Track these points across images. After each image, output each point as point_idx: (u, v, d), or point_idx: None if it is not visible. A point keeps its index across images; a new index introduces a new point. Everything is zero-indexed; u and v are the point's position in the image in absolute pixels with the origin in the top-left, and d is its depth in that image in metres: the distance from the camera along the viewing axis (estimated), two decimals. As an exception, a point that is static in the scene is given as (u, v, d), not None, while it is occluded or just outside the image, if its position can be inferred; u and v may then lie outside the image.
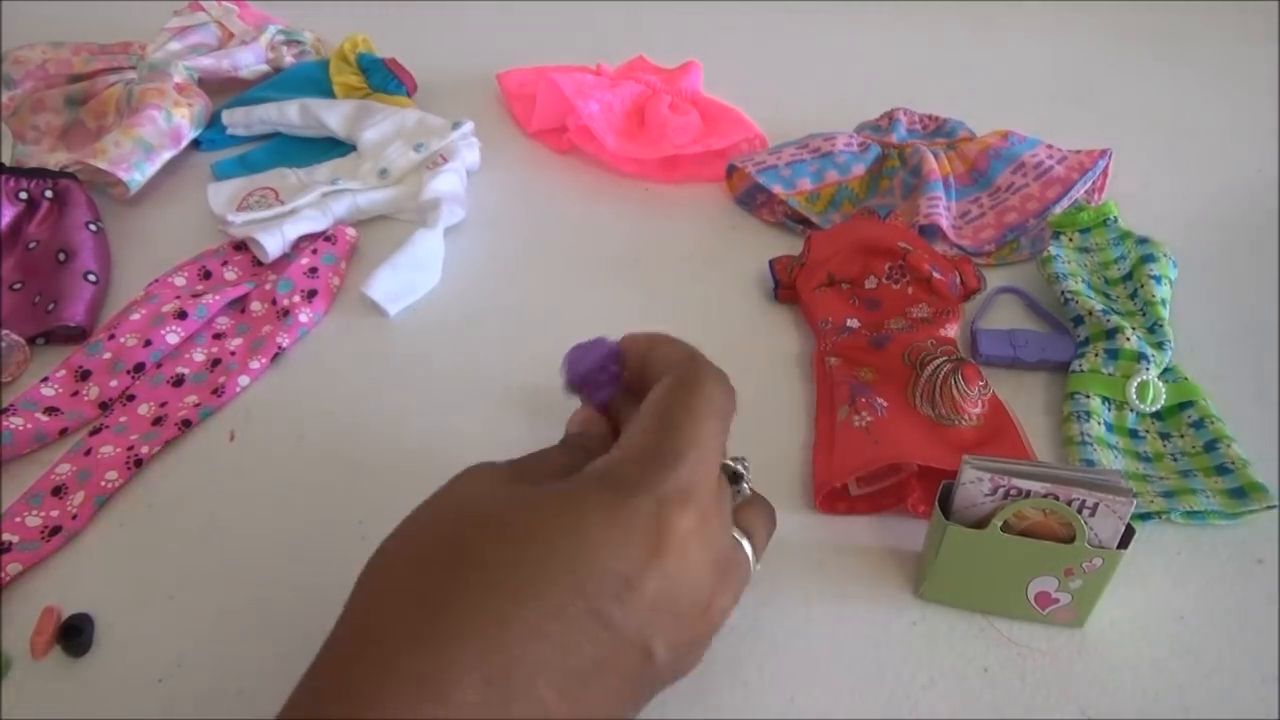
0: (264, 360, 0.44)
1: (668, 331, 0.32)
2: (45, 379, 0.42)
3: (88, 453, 0.39)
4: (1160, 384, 0.41)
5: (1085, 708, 0.32)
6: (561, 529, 0.24)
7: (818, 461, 0.39)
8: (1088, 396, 0.41)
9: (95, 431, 0.40)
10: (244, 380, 0.43)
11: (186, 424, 0.41)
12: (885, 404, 0.40)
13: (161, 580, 0.36)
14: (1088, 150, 0.53)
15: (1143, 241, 0.48)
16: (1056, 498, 0.31)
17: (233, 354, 0.44)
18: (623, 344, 0.33)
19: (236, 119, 0.57)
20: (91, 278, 0.47)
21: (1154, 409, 0.41)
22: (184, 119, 0.54)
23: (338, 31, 0.62)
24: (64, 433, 0.41)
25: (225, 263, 0.49)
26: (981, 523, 0.32)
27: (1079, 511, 0.31)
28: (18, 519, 0.37)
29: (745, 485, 0.32)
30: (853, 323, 0.44)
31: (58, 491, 0.38)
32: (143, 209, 0.53)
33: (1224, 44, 0.71)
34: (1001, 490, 0.31)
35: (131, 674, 0.33)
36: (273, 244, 0.48)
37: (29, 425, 0.40)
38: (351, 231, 0.50)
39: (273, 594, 0.35)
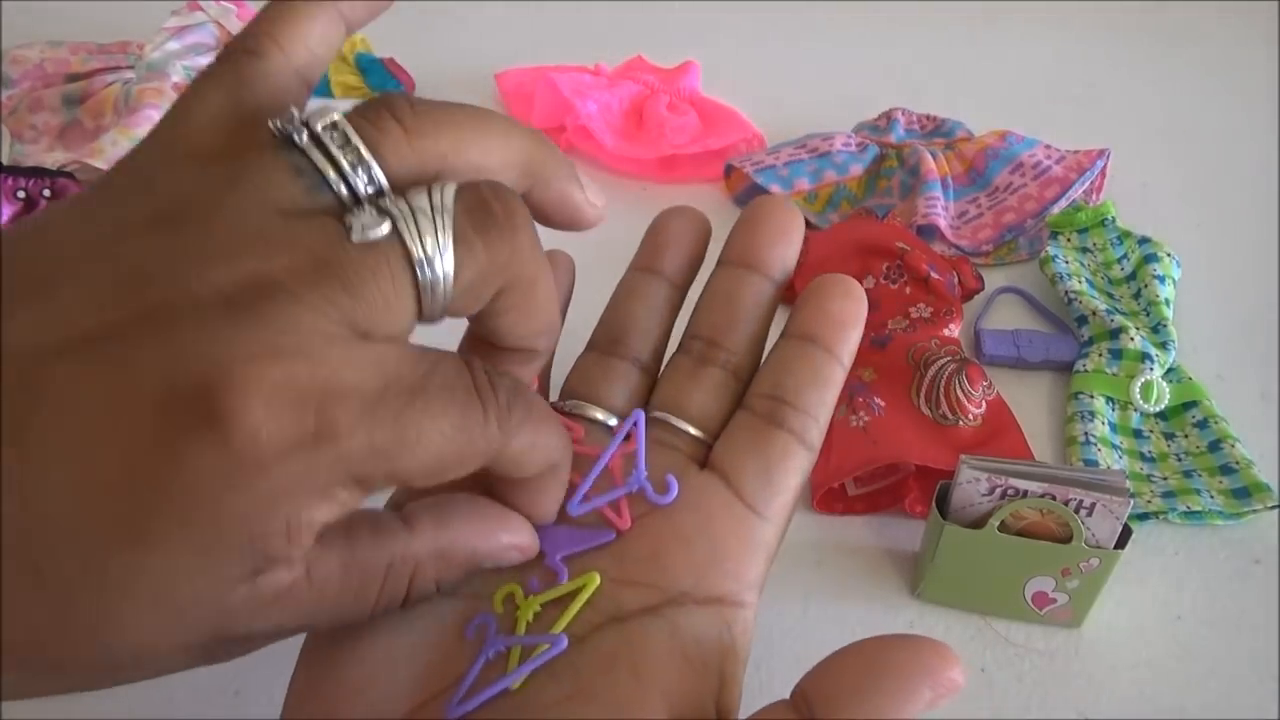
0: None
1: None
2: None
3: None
4: (1164, 384, 0.41)
5: (1083, 708, 0.32)
6: None
7: (815, 461, 0.39)
8: (1092, 396, 0.41)
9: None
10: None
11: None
12: (883, 404, 0.39)
13: (158, 580, 0.36)
14: (1086, 150, 0.53)
15: (1144, 241, 0.48)
16: (1053, 497, 0.31)
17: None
18: None
19: (235, 119, 0.57)
20: (89, 277, 0.46)
21: (1158, 409, 0.41)
22: (182, 118, 0.54)
23: (336, 31, 0.62)
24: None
25: (223, 262, 0.49)
26: (979, 523, 0.32)
27: (1076, 511, 0.31)
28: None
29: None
30: (850, 322, 0.44)
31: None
32: (141, 208, 0.53)
33: (1224, 44, 0.71)
34: (999, 490, 0.31)
35: (127, 674, 0.33)
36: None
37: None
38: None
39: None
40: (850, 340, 0.26)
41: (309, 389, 0.17)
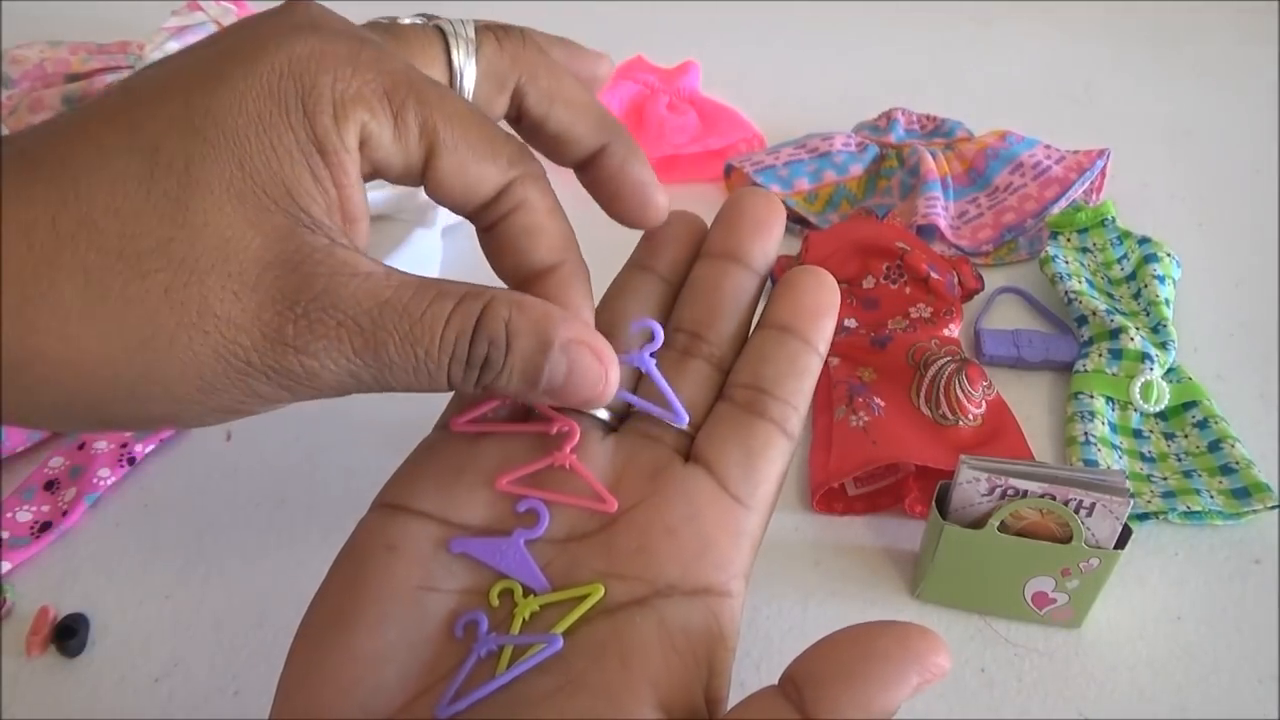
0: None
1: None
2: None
3: (81, 446, 0.39)
4: (1164, 384, 0.41)
5: (1082, 708, 0.32)
6: None
7: (815, 461, 0.39)
8: (1091, 396, 0.41)
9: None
10: (241, 380, 0.43)
11: (183, 422, 0.41)
12: (883, 404, 0.39)
13: (158, 580, 0.36)
14: (1086, 150, 0.53)
15: (1144, 241, 0.48)
16: (1053, 497, 0.31)
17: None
18: None
19: (234, 118, 0.57)
20: (89, 277, 0.46)
21: (1158, 409, 0.41)
22: (182, 118, 0.54)
23: (336, 31, 0.62)
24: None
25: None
26: (978, 523, 0.32)
27: (1076, 511, 0.31)
28: (9, 514, 0.37)
29: None
30: (850, 322, 0.44)
31: (50, 486, 0.38)
32: (140, 208, 0.53)
33: (1224, 44, 0.71)
34: (998, 490, 0.31)
35: (128, 674, 0.33)
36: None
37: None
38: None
39: (270, 594, 0.35)
40: (825, 329, 0.26)
41: (358, 31, 0.22)
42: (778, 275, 0.47)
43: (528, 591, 0.24)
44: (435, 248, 0.49)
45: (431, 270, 0.48)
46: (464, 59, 0.24)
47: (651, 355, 0.26)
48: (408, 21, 0.25)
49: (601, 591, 0.23)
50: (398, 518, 0.24)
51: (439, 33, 0.24)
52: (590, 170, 0.27)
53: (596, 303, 0.30)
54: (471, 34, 0.24)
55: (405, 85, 0.21)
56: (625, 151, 0.26)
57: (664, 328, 0.28)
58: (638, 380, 0.27)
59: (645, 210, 0.27)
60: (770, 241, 0.28)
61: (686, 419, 0.25)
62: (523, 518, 0.25)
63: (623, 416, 0.27)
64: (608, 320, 0.28)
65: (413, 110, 0.21)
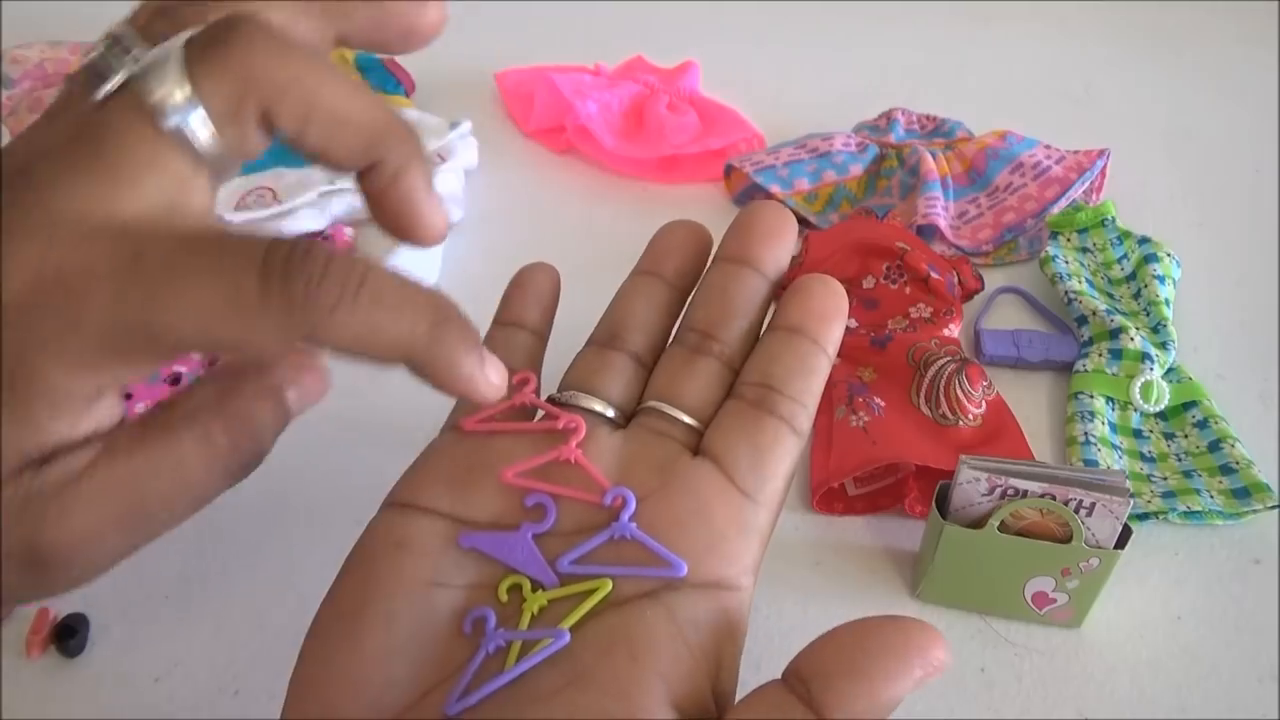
0: (261, 360, 0.43)
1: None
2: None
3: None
4: (1164, 384, 0.41)
5: (1082, 708, 0.32)
6: None
7: (815, 461, 0.39)
8: (1091, 396, 0.41)
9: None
10: (241, 380, 0.43)
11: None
12: (883, 404, 0.39)
13: (158, 580, 0.36)
14: (1086, 150, 0.53)
15: (1144, 241, 0.48)
16: (1053, 497, 0.31)
17: (230, 353, 0.44)
18: None
19: (234, 119, 0.57)
20: (89, 277, 0.46)
21: (1158, 409, 0.41)
22: (182, 119, 0.54)
23: (336, 31, 0.62)
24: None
25: (223, 262, 0.48)
26: (978, 523, 0.32)
27: (1076, 511, 0.31)
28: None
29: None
30: (850, 322, 0.44)
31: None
32: (140, 209, 0.53)
33: (1224, 44, 0.71)
34: (999, 490, 0.31)
35: (127, 674, 0.33)
36: (270, 243, 0.48)
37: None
38: (349, 231, 0.50)
39: (269, 594, 0.35)
40: (834, 331, 0.27)
41: (48, 263, 0.17)
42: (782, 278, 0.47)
43: (536, 586, 0.24)
44: (434, 248, 0.49)
45: (433, 265, 0.48)
46: (180, 109, 0.18)
47: (631, 519, 0.24)
48: (100, 95, 0.18)
49: (609, 586, 0.23)
50: (407, 515, 0.25)
51: (135, 97, 0.18)
52: (363, 182, 0.21)
53: (603, 310, 0.30)
54: (179, 62, 0.18)
55: (126, 333, 0.17)
56: (399, 163, 0.21)
57: (673, 328, 0.29)
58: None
59: (414, 228, 0.22)
60: (782, 248, 0.29)
61: (685, 570, 0.23)
62: (530, 513, 0.25)
63: (630, 414, 0.27)
64: (615, 322, 0.29)
65: (144, 352, 0.18)
